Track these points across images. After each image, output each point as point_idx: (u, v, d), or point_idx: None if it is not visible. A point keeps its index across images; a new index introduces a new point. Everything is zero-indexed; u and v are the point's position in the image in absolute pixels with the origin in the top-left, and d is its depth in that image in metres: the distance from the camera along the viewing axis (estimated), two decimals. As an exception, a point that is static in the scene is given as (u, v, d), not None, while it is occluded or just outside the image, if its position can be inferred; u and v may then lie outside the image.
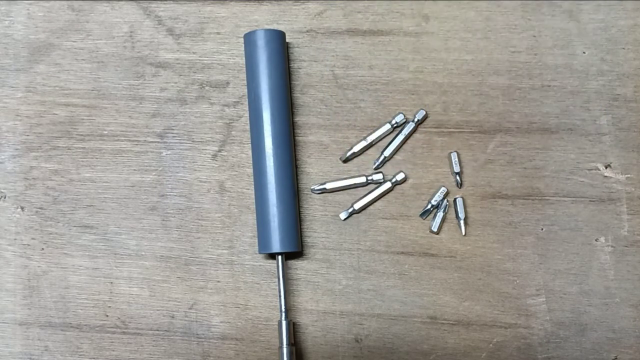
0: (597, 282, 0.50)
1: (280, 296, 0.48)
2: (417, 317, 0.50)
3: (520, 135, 0.51)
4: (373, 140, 0.51)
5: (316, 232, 0.51)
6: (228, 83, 0.52)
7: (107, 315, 0.51)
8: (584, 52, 0.52)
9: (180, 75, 0.52)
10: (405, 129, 0.51)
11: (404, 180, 0.51)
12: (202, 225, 0.51)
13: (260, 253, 0.49)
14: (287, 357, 0.47)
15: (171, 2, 0.53)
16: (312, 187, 0.51)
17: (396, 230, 0.50)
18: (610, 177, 0.50)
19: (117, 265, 0.51)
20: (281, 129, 0.48)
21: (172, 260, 0.51)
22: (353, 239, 0.50)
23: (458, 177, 0.50)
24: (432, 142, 0.51)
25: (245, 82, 0.52)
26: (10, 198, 0.52)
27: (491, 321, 0.49)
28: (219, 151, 0.52)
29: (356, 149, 0.51)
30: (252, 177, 0.49)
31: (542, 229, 0.50)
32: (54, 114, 0.52)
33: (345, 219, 0.51)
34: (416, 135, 0.51)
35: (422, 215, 0.50)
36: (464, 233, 0.50)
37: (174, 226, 0.51)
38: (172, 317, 0.50)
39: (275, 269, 0.49)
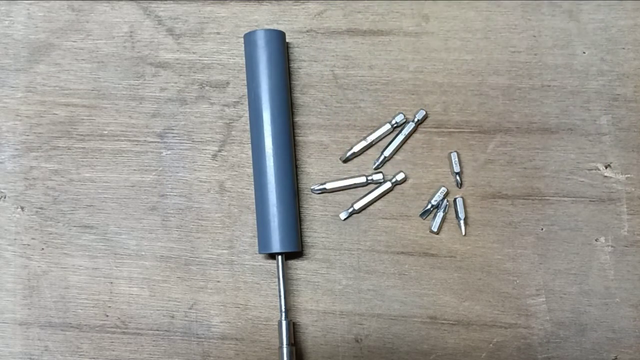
0: (597, 282, 0.50)
1: (280, 296, 0.48)
2: (417, 317, 0.50)
3: (520, 135, 0.51)
4: (373, 140, 0.51)
5: (316, 232, 0.51)
6: (228, 83, 0.52)
7: (107, 315, 0.51)
8: (584, 52, 0.52)
9: (180, 75, 0.52)
10: (405, 129, 0.51)
11: (404, 180, 0.51)
12: (202, 225, 0.51)
13: (260, 253, 0.49)
14: (287, 357, 0.47)
15: (171, 2, 0.53)
16: (312, 187, 0.51)
17: (396, 230, 0.50)
18: (610, 177, 0.50)
19: (117, 265, 0.51)
20: (281, 129, 0.48)
21: (172, 260, 0.51)
22: (353, 239, 0.50)
23: (458, 177, 0.50)
24: (432, 142, 0.51)
25: (245, 82, 0.52)
26: (10, 198, 0.52)
27: (491, 321, 0.49)
28: (219, 151, 0.52)
29: (356, 149, 0.51)
30: (252, 177, 0.49)
31: (542, 229, 0.50)
32: (54, 114, 0.52)
33: (345, 219, 0.51)
34: (416, 135, 0.51)
35: (422, 215, 0.50)
36: (464, 233, 0.50)
37: (174, 226, 0.51)
38: (172, 317, 0.50)
39: (275, 269, 0.49)
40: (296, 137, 0.51)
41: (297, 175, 0.51)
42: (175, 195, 0.51)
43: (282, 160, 0.48)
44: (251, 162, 0.50)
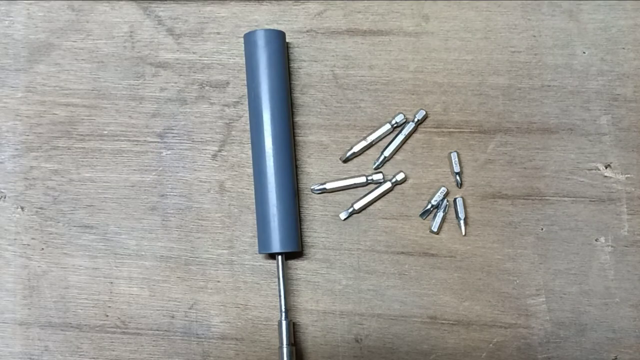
0: (597, 282, 0.50)
1: (280, 296, 0.48)
2: (417, 317, 0.50)
3: (520, 135, 0.51)
4: (373, 140, 0.51)
5: (316, 232, 0.51)
6: (228, 83, 0.52)
7: (107, 315, 0.51)
8: (584, 52, 0.52)
9: (180, 75, 0.52)
10: (405, 129, 0.51)
11: (404, 180, 0.51)
12: (202, 225, 0.51)
13: (260, 253, 0.49)
14: (287, 357, 0.47)
15: (171, 2, 0.53)
16: (312, 187, 0.51)
17: (396, 230, 0.50)
18: (610, 177, 0.50)
19: (117, 265, 0.51)
20: (281, 129, 0.48)
21: (172, 260, 0.51)
22: (353, 239, 0.50)
23: (458, 177, 0.50)
24: (432, 142, 0.51)
25: (245, 82, 0.52)
26: (10, 198, 0.52)
27: (491, 321, 0.49)
28: (219, 151, 0.52)
29: (356, 149, 0.51)
30: (252, 177, 0.49)
31: (542, 229, 0.50)
32: (54, 114, 0.52)
33: (345, 219, 0.51)
34: (416, 135, 0.51)
35: (422, 215, 0.50)
36: (464, 233, 0.50)
37: (174, 226, 0.51)
38: (172, 317, 0.50)
39: (275, 269, 0.49)
40: (296, 137, 0.51)
41: (297, 175, 0.51)
42: (175, 195, 0.51)
43: (282, 160, 0.48)
44: (251, 162, 0.50)
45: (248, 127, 0.51)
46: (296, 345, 0.49)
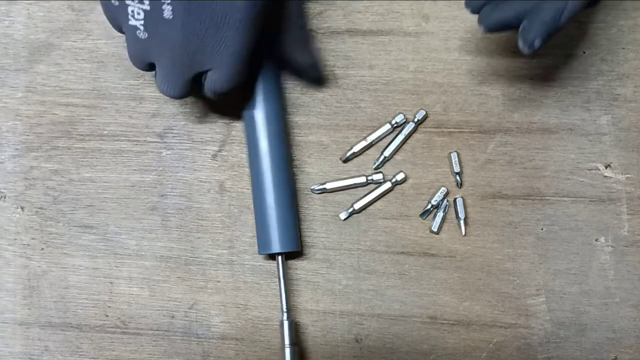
0: (597, 282, 0.50)
1: (281, 296, 0.48)
2: (417, 317, 0.50)
3: (520, 135, 0.51)
4: (373, 140, 0.51)
5: (316, 232, 0.51)
6: (228, 83, 0.52)
7: (107, 315, 0.51)
8: (584, 52, 0.52)
9: (180, 75, 0.52)
10: (405, 129, 0.51)
11: (404, 180, 0.51)
12: (202, 225, 0.51)
13: (260, 253, 0.49)
14: (290, 357, 0.46)
15: (171, 2, 0.53)
16: (312, 187, 0.51)
17: (396, 230, 0.50)
18: (610, 177, 0.50)
19: (117, 265, 0.51)
20: (276, 129, 0.48)
21: (172, 260, 0.51)
22: (353, 239, 0.50)
23: (458, 177, 0.50)
24: (432, 142, 0.51)
25: (245, 82, 0.52)
26: (10, 198, 0.52)
27: (491, 321, 0.49)
28: (219, 151, 0.52)
29: (356, 149, 0.51)
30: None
31: (542, 229, 0.50)
32: (54, 114, 0.52)
33: (345, 219, 0.51)
34: (416, 135, 0.51)
35: (422, 215, 0.50)
36: (464, 233, 0.50)
37: (174, 226, 0.51)
38: (172, 317, 0.50)
39: (275, 269, 0.49)
40: (296, 137, 0.51)
41: (297, 175, 0.51)
42: (175, 195, 0.51)
43: (278, 159, 0.48)
44: (251, 162, 0.50)
45: (248, 127, 0.51)
46: (297, 345, 0.49)
